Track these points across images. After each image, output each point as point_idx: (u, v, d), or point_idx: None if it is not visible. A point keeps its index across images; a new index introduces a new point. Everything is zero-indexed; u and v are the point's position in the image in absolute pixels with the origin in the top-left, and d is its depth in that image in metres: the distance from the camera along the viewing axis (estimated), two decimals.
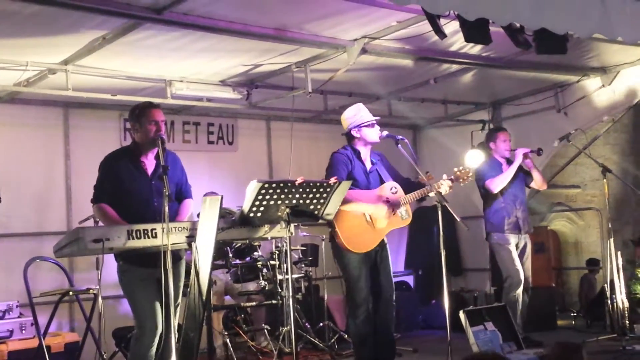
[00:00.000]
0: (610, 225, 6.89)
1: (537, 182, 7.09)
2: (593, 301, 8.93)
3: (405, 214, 5.66)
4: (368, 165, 5.67)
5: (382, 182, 5.67)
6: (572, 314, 9.07)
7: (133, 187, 4.70)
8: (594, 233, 11.34)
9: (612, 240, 6.79)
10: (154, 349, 4.59)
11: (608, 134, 11.25)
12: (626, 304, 6.84)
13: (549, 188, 9.22)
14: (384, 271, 5.65)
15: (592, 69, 7.77)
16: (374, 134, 5.66)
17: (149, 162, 4.80)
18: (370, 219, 5.48)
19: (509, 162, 7.04)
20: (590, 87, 8.08)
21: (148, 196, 4.69)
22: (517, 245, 6.94)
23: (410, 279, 9.41)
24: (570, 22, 5.07)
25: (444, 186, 5.56)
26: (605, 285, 6.93)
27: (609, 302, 6.90)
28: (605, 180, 6.93)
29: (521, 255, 6.96)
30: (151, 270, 4.47)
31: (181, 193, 4.94)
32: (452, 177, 5.66)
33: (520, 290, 6.81)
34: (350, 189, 5.27)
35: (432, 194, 5.66)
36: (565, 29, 5.14)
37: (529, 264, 7.02)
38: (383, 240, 5.68)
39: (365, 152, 5.69)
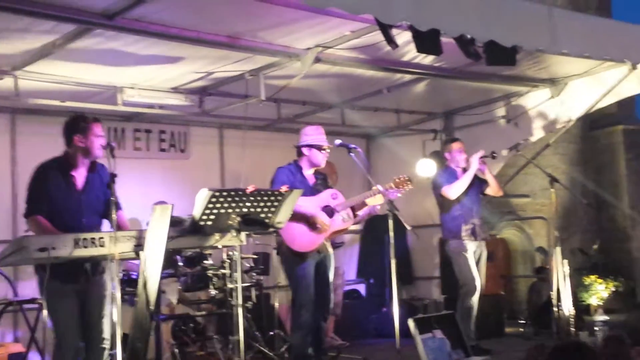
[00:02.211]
0: (557, 234, 7.03)
1: (493, 187, 7.21)
2: (540, 309, 9.07)
3: (346, 217, 5.91)
4: (311, 181, 5.92)
5: None
6: (520, 322, 9.21)
7: (61, 202, 4.57)
8: (543, 242, 11.51)
9: (558, 248, 6.92)
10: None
11: (557, 144, 11.46)
12: (572, 312, 6.97)
13: (500, 197, 9.37)
14: (324, 280, 5.93)
15: (541, 80, 7.93)
16: (321, 158, 5.97)
17: (79, 176, 4.68)
18: (311, 223, 5.67)
19: (465, 171, 7.14)
20: (539, 98, 8.23)
21: (76, 212, 4.58)
22: (474, 253, 7.05)
23: (361, 288, 9.46)
24: (518, 36, 5.20)
25: (376, 199, 5.79)
26: (552, 293, 7.05)
27: (556, 309, 7.02)
28: (552, 189, 7.06)
29: (476, 263, 7.07)
30: (72, 285, 4.48)
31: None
32: (391, 184, 5.88)
33: (476, 298, 6.93)
34: None
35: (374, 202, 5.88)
36: (513, 42, 5.26)
37: (483, 273, 7.11)
38: (327, 249, 5.90)
39: (308, 172, 5.95)
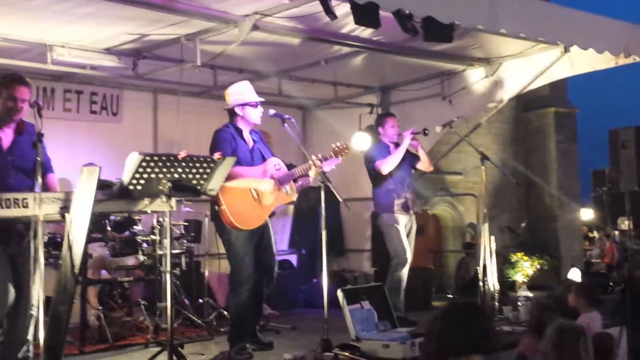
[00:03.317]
0: (485, 211, 7.18)
1: (424, 163, 7.32)
2: (468, 284, 9.31)
3: (289, 190, 5.75)
4: (250, 143, 5.72)
5: (264, 159, 5.73)
6: (448, 295, 9.43)
7: None
8: (473, 218, 11.78)
9: (487, 225, 7.08)
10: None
11: (490, 123, 11.70)
12: (497, 287, 7.16)
13: (432, 174, 9.52)
14: (268, 250, 5.75)
15: (477, 59, 8.05)
16: (256, 115, 5.74)
17: (5, 136, 4.60)
18: (257, 195, 5.53)
19: (397, 145, 7.23)
20: (474, 77, 8.38)
21: (2, 173, 4.51)
22: (405, 226, 7.17)
23: (293, 258, 9.52)
24: (456, 12, 5.26)
25: (312, 170, 5.65)
26: (479, 268, 7.23)
27: (482, 284, 7.21)
28: (483, 167, 7.19)
29: (406, 236, 7.18)
30: (3, 248, 4.42)
31: (42, 167, 4.72)
32: (331, 153, 5.77)
33: (405, 270, 7.04)
34: (234, 166, 5.27)
35: (312, 174, 5.78)
36: (452, 19, 5.31)
37: (412, 246, 7.22)
38: (266, 219, 5.78)
39: (246, 132, 5.72)
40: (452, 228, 12.26)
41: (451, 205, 12.22)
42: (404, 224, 7.17)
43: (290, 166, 5.90)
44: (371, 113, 9.20)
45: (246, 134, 5.73)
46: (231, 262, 5.67)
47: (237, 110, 5.67)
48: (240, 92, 5.71)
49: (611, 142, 7.78)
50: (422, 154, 7.29)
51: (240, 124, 5.70)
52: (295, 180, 5.92)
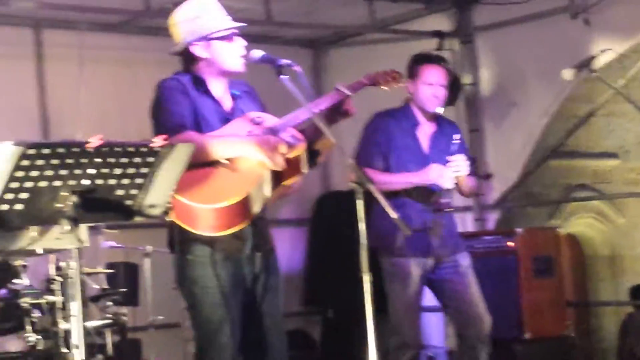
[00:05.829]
0: None
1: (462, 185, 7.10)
2: None
3: (291, 139, 5.47)
4: (226, 104, 5.66)
5: None
6: None
7: None
8: None
9: None
10: None
11: None
12: None
13: (563, 158, 9.53)
14: (269, 306, 5.67)
15: None
16: (234, 53, 5.68)
17: None
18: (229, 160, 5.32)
19: (435, 120, 6.97)
20: None
21: None
22: (420, 276, 6.95)
23: (313, 328, 9.56)
24: None
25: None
26: None
27: None
28: None
29: (461, 279, 6.99)
30: None
31: None
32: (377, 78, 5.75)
33: None
34: None
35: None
36: None
37: (474, 292, 6.96)
38: (265, 237, 5.62)
39: (218, 85, 5.69)
40: (606, 259, 12.28)
41: (602, 217, 12.23)
42: (420, 273, 6.95)
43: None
44: (440, 49, 9.21)
45: (217, 88, 5.67)
46: (196, 331, 5.59)
47: (197, 49, 5.63)
48: (196, 16, 5.66)
49: None
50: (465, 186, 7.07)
51: (208, 75, 5.66)
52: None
